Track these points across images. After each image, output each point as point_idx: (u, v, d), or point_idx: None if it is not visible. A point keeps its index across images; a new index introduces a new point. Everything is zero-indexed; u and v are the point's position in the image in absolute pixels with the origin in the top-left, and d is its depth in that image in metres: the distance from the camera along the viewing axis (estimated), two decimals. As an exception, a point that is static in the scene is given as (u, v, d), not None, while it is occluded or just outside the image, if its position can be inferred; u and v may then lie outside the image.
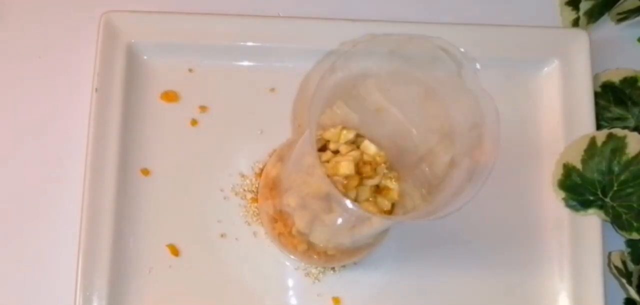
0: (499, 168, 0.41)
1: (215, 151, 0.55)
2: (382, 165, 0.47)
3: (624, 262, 0.54)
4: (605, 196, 0.53)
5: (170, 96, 0.56)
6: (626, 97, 0.56)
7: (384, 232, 0.51)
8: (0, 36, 0.58)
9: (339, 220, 0.46)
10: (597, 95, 0.56)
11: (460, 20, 0.58)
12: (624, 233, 0.53)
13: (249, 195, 0.55)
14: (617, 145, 0.53)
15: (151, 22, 0.56)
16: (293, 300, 0.53)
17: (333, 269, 0.54)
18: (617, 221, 0.53)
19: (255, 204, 0.54)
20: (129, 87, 0.55)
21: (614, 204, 0.53)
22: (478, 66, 0.41)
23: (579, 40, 0.56)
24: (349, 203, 0.40)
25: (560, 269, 0.54)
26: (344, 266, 0.54)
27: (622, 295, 0.54)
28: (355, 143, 0.48)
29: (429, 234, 0.54)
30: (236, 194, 0.55)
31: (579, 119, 0.55)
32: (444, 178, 0.44)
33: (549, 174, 0.55)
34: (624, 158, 0.53)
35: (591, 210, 0.54)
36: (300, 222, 0.48)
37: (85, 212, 0.51)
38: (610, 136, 0.53)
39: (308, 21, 0.56)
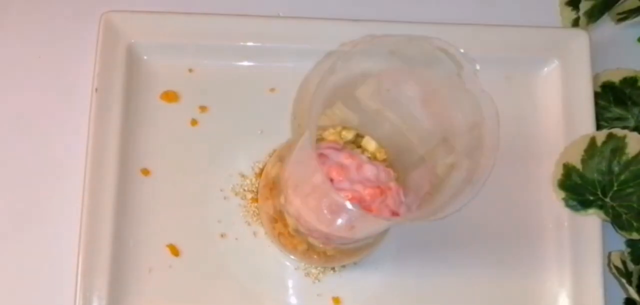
0: (499, 168, 0.41)
1: (215, 151, 0.55)
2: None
3: (624, 262, 0.54)
4: (605, 196, 0.53)
5: (170, 96, 0.56)
6: (626, 97, 0.56)
7: (384, 232, 0.51)
8: None
9: (339, 221, 0.46)
10: (597, 95, 0.56)
11: (460, 20, 0.57)
12: (624, 233, 0.53)
13: (249, 195, 0.55)
14: (617, 145, 0.53)
15: (151, 22, 0.55)
16: (293, 300, 0.53)
17: (333, 269, 0.54)
18: (617, 221, 0.53)
19: (255, 204, 0.54)
20: (129, 87, 0.55)
21: (614, 204, 0.53)
22: (478, 66, 0.41)
23: (579, 40, 0.56)
24: (348, 203, 0.40)
25: (560, 269, 0.54)
26: (344, 266, 0.54)
27: (622, 295, 0.54)
28: (355, 143, 0.48)
29: (429, 234, 0.54)
30: (236, 194, 0.55)
31: (579, 119, 0.55)
32: (444, 178, 0.44)
33: (549, 174, 0.55)
34: (624, 158, 0.53)
35: (591, 210, 0.54)
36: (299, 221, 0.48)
37: (85, 212, 0.51)
38: (610, 136, 0.53)
39: (308, 21, 0.56)
